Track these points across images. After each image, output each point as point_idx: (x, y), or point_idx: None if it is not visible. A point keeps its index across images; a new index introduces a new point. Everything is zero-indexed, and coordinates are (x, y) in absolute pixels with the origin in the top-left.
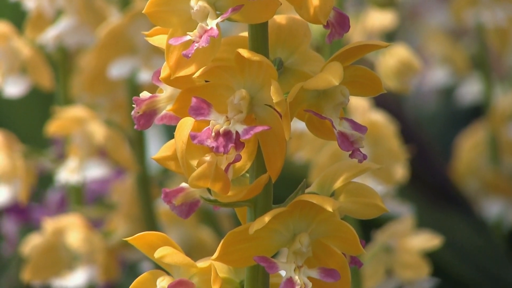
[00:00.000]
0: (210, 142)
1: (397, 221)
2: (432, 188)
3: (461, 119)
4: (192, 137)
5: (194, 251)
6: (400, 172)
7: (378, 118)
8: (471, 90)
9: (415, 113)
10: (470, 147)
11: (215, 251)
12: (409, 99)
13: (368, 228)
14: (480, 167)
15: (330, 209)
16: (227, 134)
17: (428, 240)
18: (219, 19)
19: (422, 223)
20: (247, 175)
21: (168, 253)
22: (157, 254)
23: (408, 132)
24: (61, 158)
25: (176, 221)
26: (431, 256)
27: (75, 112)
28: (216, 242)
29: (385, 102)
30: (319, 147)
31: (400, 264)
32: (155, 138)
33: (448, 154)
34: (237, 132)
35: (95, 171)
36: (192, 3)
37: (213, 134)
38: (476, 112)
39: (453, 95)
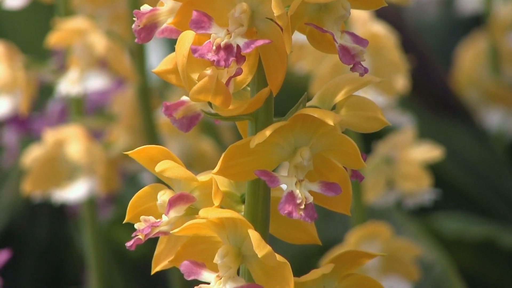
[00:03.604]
0: (211, 56)
1: (398, 132)
2: (433, 99)
3: (461, 28)
4: (193, 50)
5: (195, 161)
6: (401, 83)
7: (378, 29)
8: None
9: (416, 23)
10: (470, 57)
11: (216, 162)
12: (409, 10)
13: (369, 139)
14: (481, 77)
15: (331, 122)
16: (228, 47)
17: (429, 151)
18: None
19: (423, 134)
20: (248, 88)
21: (169, 167)
22: (158, 168)
23: (409, 43)
24: (61, 69)
25: (176, 132)
26: (432, 167)
27: (76, 23)
28: (217, 152)
29: (385, 13)
30: (321, 58)
31: (401, 175)
32: (155, 48)
33: (448, 64)
34: (238, 46)
35: (96, 82)
36: None
37: (214, 47)
38: (477, 21)
39: (453, 5)
